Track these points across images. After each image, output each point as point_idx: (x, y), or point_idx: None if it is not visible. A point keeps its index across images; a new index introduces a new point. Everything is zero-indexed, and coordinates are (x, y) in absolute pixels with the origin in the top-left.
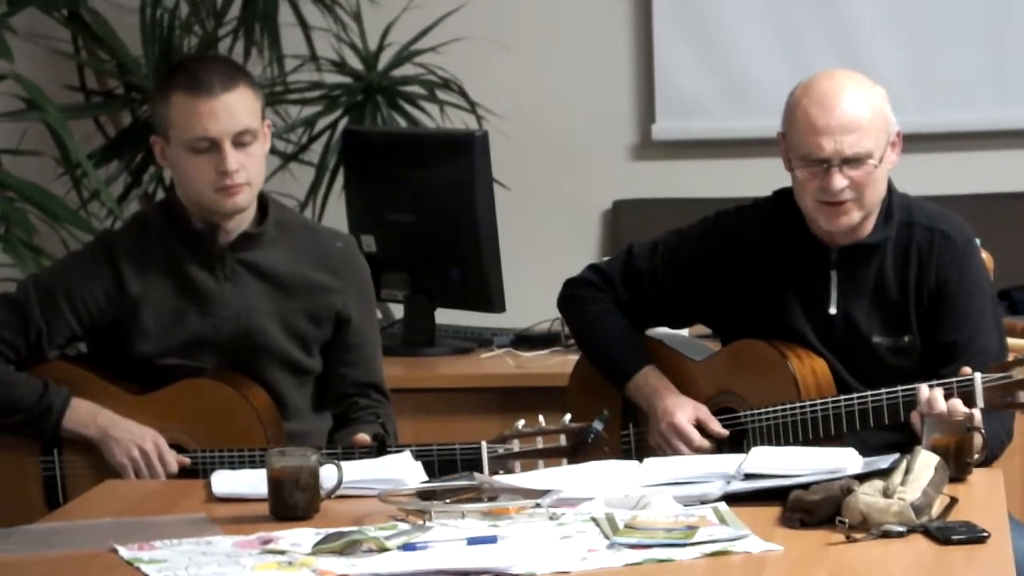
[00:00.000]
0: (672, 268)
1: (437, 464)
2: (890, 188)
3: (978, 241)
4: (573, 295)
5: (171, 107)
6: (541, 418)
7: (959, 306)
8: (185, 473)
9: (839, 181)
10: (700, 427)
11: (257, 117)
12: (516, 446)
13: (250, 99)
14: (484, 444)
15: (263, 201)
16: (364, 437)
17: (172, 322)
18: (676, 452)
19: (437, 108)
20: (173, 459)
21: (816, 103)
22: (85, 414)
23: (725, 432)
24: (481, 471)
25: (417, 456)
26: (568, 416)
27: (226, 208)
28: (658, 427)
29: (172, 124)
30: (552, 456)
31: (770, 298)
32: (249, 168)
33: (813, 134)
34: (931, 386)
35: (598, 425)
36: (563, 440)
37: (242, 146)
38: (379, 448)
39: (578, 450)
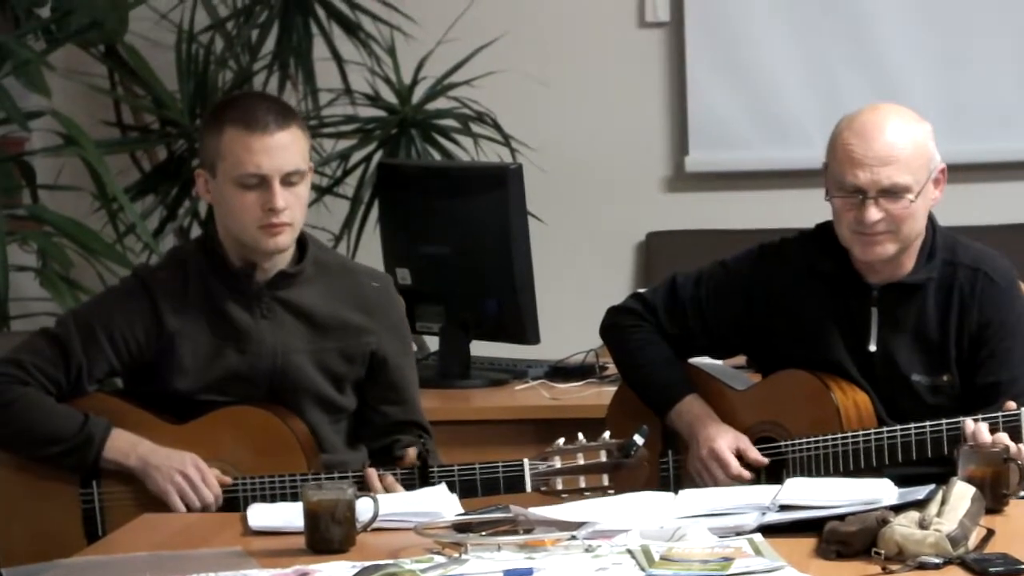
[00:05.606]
0: (715, 300)
1: (480, 483)
2: (934, 226)
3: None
4: (616, 323)
5: (223, 141)
6: (581, 435)
7: (1001, 348)
8: (227, 503)
9: (874, 213)
10: (740, 457)
11: (306, 158)
12: (558, 463)
13: (301, 140)
14: (527, 461)
15: (302, 240)
16: (411, 456)
17: (210, 359)
18: (713, 478)
19: (471, 141)
20: (215, 481)
21: (856, 134)
22: (126, 444)
23: (765, 460)
24: (524, 489)
25: (460, 476)
26: (607, 433)
27: (267, 247)
28: (698, 453)
29: (223, 157)
30: (593, 472)
31: (812, 332)
32: (294, 208)
33: (851, 164)
34: (976, 420)
35: (639, 439)
36: (603, 456)
37: (290, 185)
38: (422, 467)
39: (620, 465)
